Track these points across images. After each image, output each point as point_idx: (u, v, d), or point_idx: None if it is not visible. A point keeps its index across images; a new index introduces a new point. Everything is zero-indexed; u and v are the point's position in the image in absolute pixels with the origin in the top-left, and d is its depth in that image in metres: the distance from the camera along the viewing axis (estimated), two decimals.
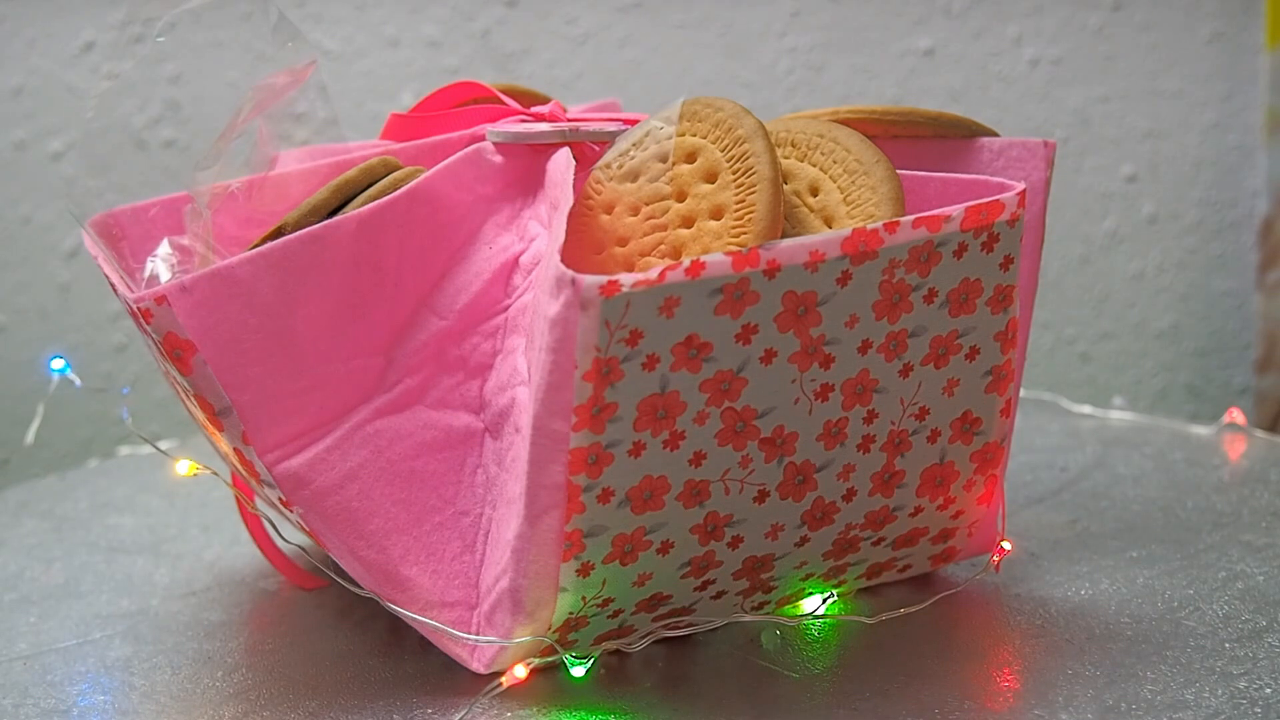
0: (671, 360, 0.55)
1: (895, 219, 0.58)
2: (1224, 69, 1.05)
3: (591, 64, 1.00)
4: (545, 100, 0.74)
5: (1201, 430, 0.91)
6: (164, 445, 0.87)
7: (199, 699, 0.61)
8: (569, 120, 0.68)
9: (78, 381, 0.77)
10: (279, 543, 0.71)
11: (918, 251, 0.58)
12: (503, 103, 0.70)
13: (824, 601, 0.65)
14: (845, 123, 0.69)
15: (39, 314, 1.01)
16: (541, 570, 0.58)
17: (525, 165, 0.66)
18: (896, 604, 0.66)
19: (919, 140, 0.70)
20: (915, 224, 0.58)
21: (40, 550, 0.79)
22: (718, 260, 0.55)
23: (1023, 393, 0.99)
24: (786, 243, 0.56)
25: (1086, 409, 0.96)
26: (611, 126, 0.66)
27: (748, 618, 0.63)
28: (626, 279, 0.53)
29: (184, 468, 0.65)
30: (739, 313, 0.56)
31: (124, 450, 0.97)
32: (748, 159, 0.61)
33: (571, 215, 0.65)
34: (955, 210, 0.58)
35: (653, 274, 0.54)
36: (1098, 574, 0.69)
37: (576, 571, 0.58)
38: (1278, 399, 1.11)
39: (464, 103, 0.73)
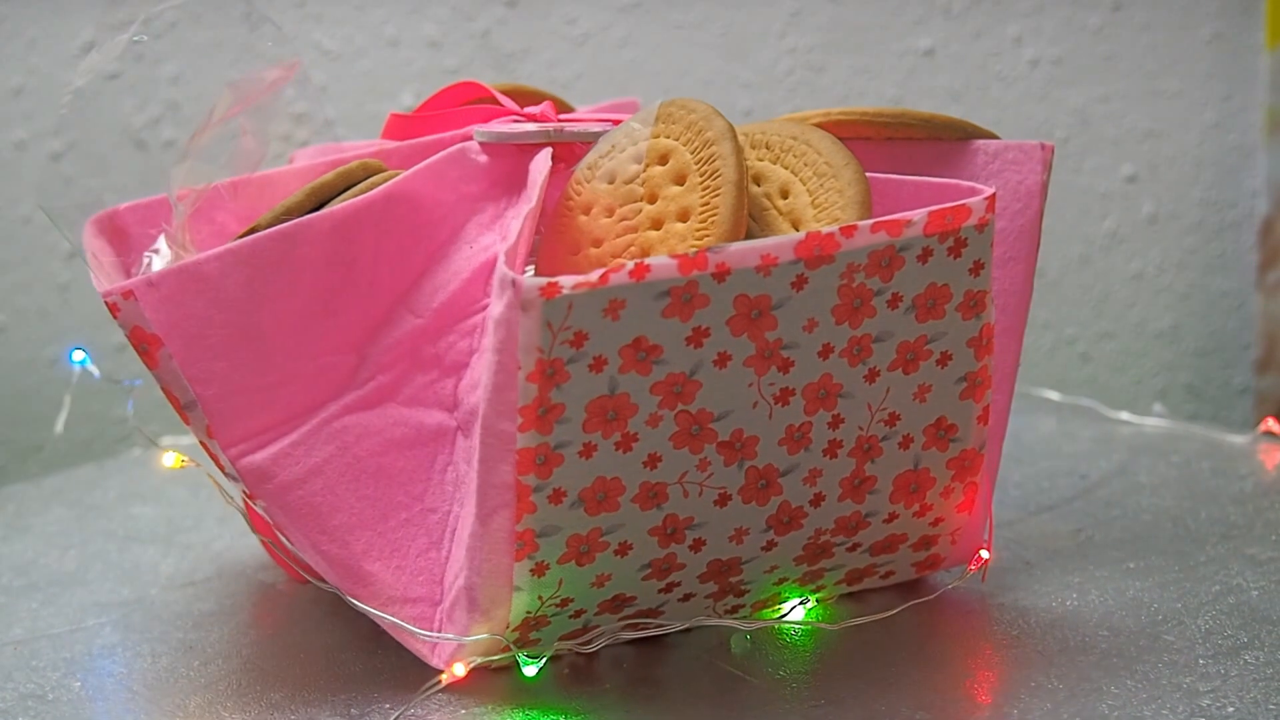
0: (620, 362, 0.55)
1: (852, 223, 0.57)
2: (1224, 69, 1.03)
3: (591, 64, 1.00)
4: (552, 100, 0.74)
5: (1236, 439, 0.88)
6: (176, 439, 0.88)
7: (170, 687, 0.62)
8: (558, 120, 0.68)
9: (96, 373, 0.79)
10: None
11: (878, 256, 0.57)
12: (499, 103, 0.70)
13: (799, 606, 0.65)
14: (838, 124, 0.68)
15: (39, 314, 1.03)
16: (495, 569, 0.58)
17: (510, 165, 0.66)
18: (880, 611, 0.65)
19: (913, 142, 0.69)
20: (874, 228, 0.57)
21: (60, 538, 0.81)
22: (663, 263, 0.54)
23: (1059, 397, 0.98)
24: (736, 246, 0.55)
25: (1124, 415, 0.94)
26: (596, 127, 0.66)
27: (710, 621, 0.63)
28: (567, 281, 0.54)
29: (170, 460, 0.67)
30: (688, 316, 0.55)
31: (166, 439, 0.99)
32: (714, 161, 0.60)
33: (552, 216, 0.65)
34: (917, 215, 0.58)
35: (593, 276, 0.54)
36: (1088, 585, 0.68)
37: (530, 571, 0.58)
38: (1278, 399, 1.09)
39: (466, 103, 0.73)
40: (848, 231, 0.57)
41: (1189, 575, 0.69)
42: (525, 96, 0.74)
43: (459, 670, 0.58)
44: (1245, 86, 1.03)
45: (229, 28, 0.94)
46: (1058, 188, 0.99)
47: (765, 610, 0.65)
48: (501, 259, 0.55)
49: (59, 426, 0.85)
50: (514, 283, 0.54)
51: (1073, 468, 0.84)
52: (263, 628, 0.68)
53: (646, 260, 0.54)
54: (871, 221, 0.57)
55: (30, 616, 0.70)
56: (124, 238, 0.70)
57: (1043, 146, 0.67)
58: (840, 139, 0.69)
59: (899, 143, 0.69)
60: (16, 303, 1.03)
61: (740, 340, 0.57)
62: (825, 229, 0.56)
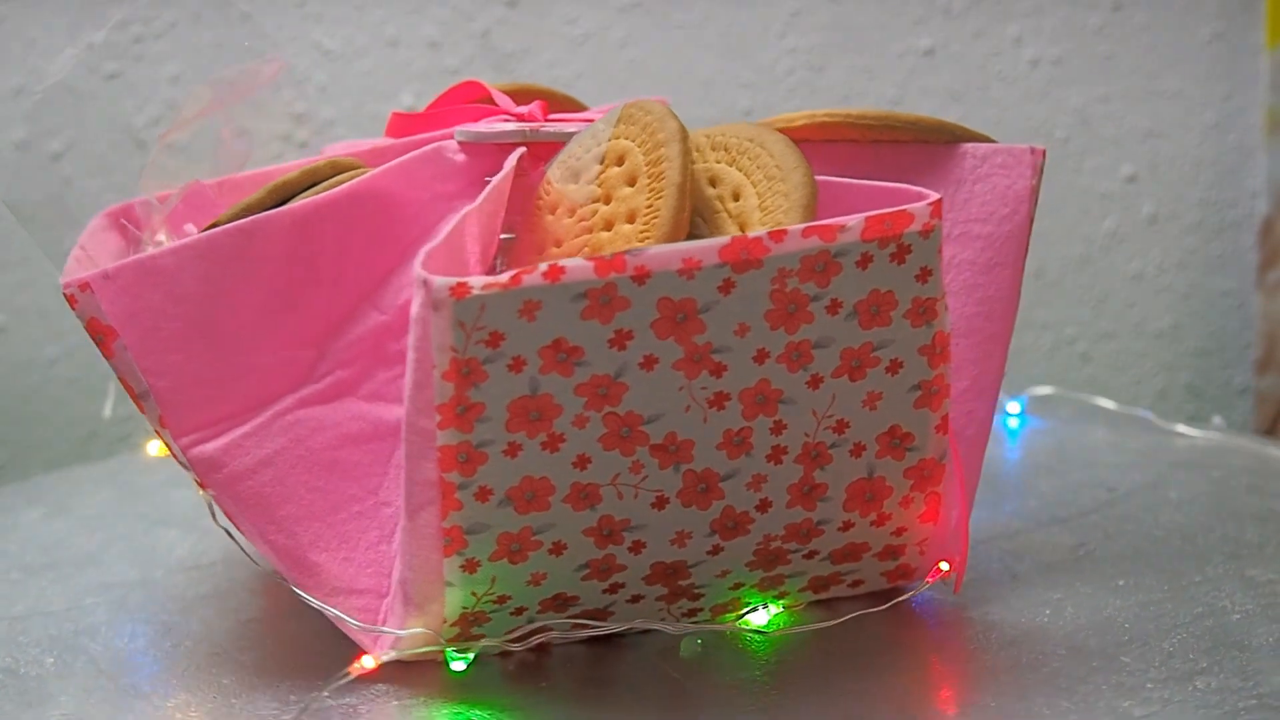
0: (540, 363, 0.55)
1: (782, 227, 0.56)
2: (1224, 69, 1.00)
3: (591, 64, 1.00)
4: (562, 99, 0.75)
5: None
6: None
7: (134, 666, 0.64)
8: (545, 119, 0.68)
9: None
10: None
11: (811, 261, 0.57)
12: (495, 103, 0.71)
13: (760, 611, 0.64)
14: (824, 126, 0.67)
15: (39, 314, 1.07)
16: (424, 564, 0.58)
17: (490, 164, 0.66)
18: (852, 620, 0.64)
19: (900, 145, 0.68)
20: (805, 233, 0.56)
21: (96, 520, 0.83)
22: (578, 265, 0.54)
23: (1114, 406, 0.95)
24: (656, 249, 0.55)
25: (1179, 427, 0.91)
26: (571, 127, 0.66)
27: (653, 625, 0.63)
28: (476, 281, 0.54)
29: (155, 449, 0.69)
30: (609, 318, 0.55)
31: None
32: (661, 164, 0.60)
33: (524, 214, 0.66)
34: (852, 220, 0.57)
35: (504, 278, 0.54)
36: (1066, 601, 0.66)
37: (461, 567, 0.58)
38: (1278, 399, 1.05)
39: (470, 102, 0.74)
40: (776, 236, 0.56)
41: (1175, 595, 0.66)
42: (531, 96, 0.74)
43: (368, 663, 0.58)
44: (1245, 86, 1.00)
45: (229, 28, 0.97)
46: (1058, 188, 0.98)
47: (726, 615, 0.65)
48: (419, 258, 0.56)
49: (107, 411, 0.88)
50: (425, 282, 0.54)
51: (1102, 480, 0.82)
52: (247, 612, 0.69)
53: (561, 262, 0.54)
54: (803, 226, 0.56)
55: (37, 594, 0.72)
56: (139, 231, 0.72)
57: (1032, 151, 0.65)
58: (827, 141, 0.68)
59: (885, 146, 0.68)
60: (16, 303, 1.06)
61: (667, 343, 0.56)
62: (752, 233, 0.56)
